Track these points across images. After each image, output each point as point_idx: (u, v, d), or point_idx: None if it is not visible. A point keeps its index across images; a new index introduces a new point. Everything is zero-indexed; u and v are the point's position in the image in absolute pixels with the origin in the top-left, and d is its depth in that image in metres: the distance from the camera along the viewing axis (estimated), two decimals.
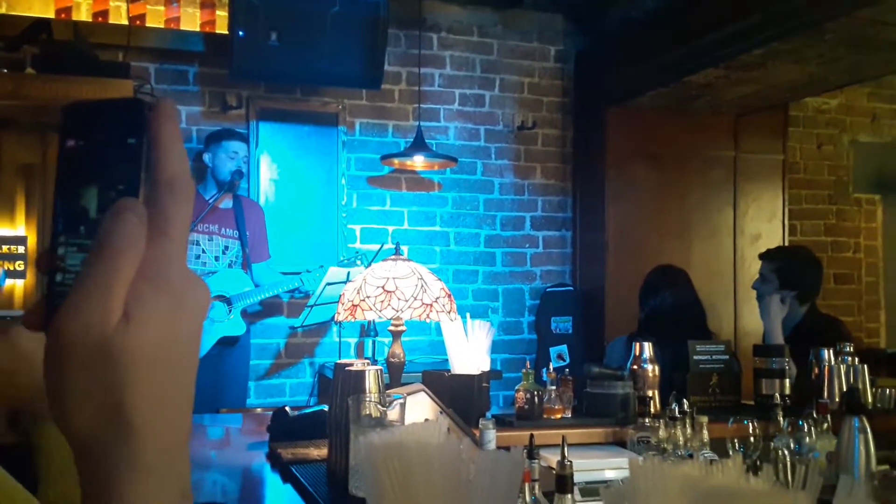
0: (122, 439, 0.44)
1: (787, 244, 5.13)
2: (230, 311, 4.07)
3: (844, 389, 2.91)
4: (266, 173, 4.73)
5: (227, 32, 4.40)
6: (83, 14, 4.39)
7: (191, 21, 4.59)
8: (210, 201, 4.09)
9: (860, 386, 3.04)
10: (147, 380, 0.44)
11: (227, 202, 4.22)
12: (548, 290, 5.15)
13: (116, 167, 0.46)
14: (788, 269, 3.57)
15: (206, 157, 4.22)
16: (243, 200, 4.30)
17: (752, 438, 2.31)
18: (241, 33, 4.18)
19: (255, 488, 2.14)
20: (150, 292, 0.44)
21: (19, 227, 3.53)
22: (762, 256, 3.72)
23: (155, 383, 0.45)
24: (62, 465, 0.90)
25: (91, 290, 0.43)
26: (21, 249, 3.50)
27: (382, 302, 2.56)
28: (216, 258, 4.13)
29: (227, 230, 4.17)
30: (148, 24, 4.49)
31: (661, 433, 2.39)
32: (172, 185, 0.46)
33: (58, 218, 0.46)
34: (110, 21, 4.40)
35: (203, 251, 4.12)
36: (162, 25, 4.53)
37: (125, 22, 4.39)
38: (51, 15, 4.26)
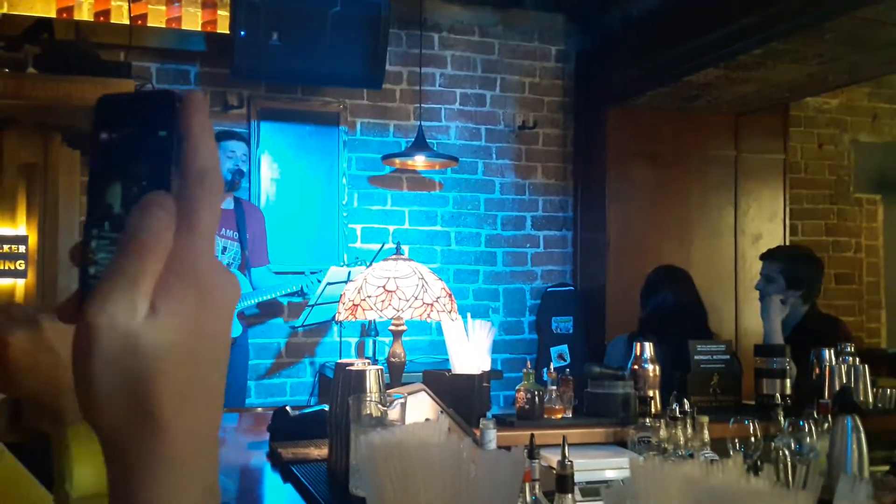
0: (147, 433, 0.44)
1: (787, 244, 5.13)
2: None
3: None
4: (267, 173, 4.73)
5: (228, 32, 4.41)
6: (85, 14, 4.40)
7: (192, 21, 4.59)
8: None
9: (861, 386, 3.04)
10: (174, 374, 0.44)
11: (227, 203, 4.22)
12: (548, 289, 5.15)
13: (147, 160, 0.45)
14: (794, 269, 3.56)
15: None
16: (244, 203, 4.30)
17: (752, 438, 2.31)
18: (242, 33, 4.18)
19: (256, 487, 2.14)
20: (178, 286, 0.44)
21: (20, 226, 3.53)
22: (764, 257, 3.71)
23: (182, 377, 0.45)
24: (83, 466, 0.90)
25: (117, 284, 0.43)
26: (22, 249, 3.50)
27: (383, 301, 2.56)
28: None
29: (227, 231, 4.17)
30: (149, 24, 4.49)
31: (662, 433, 2.39)
32: (202, 178, 0.46)
33: (90, 211, 0.46)
34: (112, 21, 4.41)
35: None
36: (163, 25, 4.54)
37: (127, 22, 4.39)
38: (52, 14, 4.27)
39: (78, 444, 0.91)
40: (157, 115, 0.46)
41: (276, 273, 4.39)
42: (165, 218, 0.44)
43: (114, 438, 0.45)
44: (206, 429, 0.47)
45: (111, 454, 0.45)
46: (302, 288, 4.22)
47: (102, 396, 0.44)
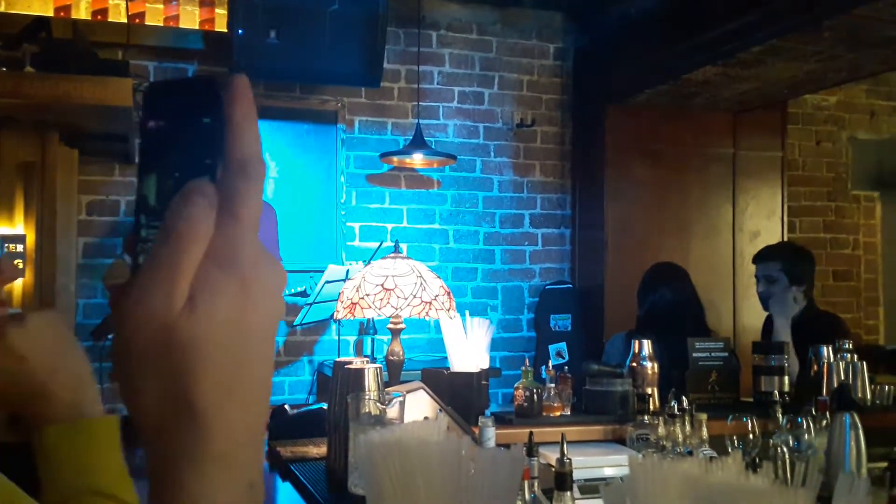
0: (188, 428, 0.43)
1: (780, 241, 5.13)
2: None
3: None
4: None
5: (226, 30, 4.40)
6: (82, 12, 4.39)
7: (190, 19, 4.59)
8: None
9: (859, 383, 3.04)
10: (214, 367, 0.43)
11: None
12: (547, 287, 5.15)
13: (192, 148, 0.45)
14: (795, 266, 3.56)
15: None
16: None
17: (751, 436, 2.31)
18: (240, 31, 4.18)
19: None
20: (218, 276, 0.43)
21: (18, 225, 3.52)
22: (760, 259, 3.68)
23: (222, 370, 0.43)
24: (62, 466, 0.89)
25: (154, 276, 0.42)
26: (20, 248, 3.50)
27: (382, 300, 2.57)
28: None
29: None
30: (147, 23, 4.49)
31: (661, 430, 2.39)
32: (244, 165, 0.44)
33: (138, 200, 0.45)
34: (109, 19, 4.40)
35: None
36: (161, 23, 4.53)
37: (124, 20, 4.38)
38: (50, 13, 4.26)
39: (56, 447, 0.90)
40: (201, 102, 0.45)
41: None
42: (205, 207, 0.43)
43: (155, 433, 0.44)
44: (250, 423, 0.46)
45: (152, 449, 0.45)
46: (305, 289, 4.22)
47: (141, 391, 0.43)
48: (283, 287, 0.47)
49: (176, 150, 0.45)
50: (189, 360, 0.42)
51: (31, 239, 3.54)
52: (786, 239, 5.23)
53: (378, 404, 1.64)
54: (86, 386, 0.94)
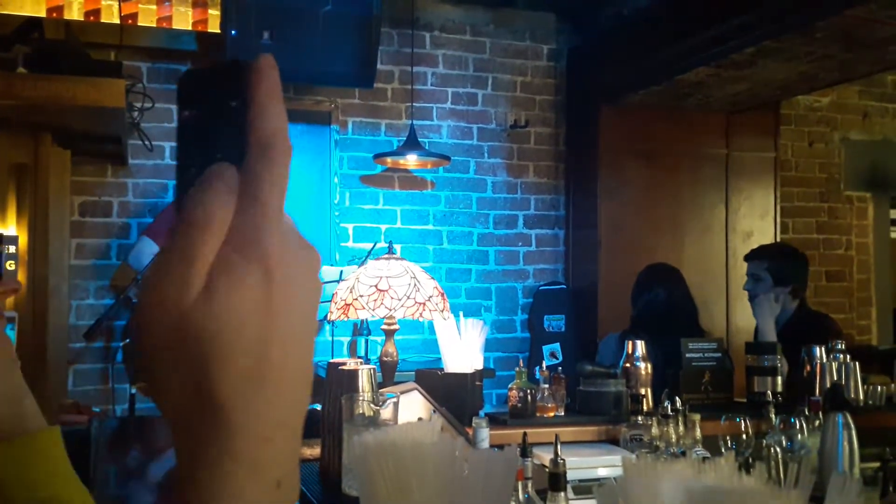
0: (209, 422, 0.41)
1: (778, 241, 5.15)
2: None
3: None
4: None
5: (219, 31, 4.39)
6: (75, 13, 4.38)
7: (183, 20, 4.58)
8: None
9: (851, 383, 3.05)
10: (234, 358, 0.41)
11: None
12: (541, 288, 5.16)
13: (220, 133, 0.44)
14: (781, 267, 3.58)
15: None
16: None
17: (744, 436, 2.32)
18: (233, 32, 4.17)
19: None
20: (238, 263, 0.41)
21: (10, 226, 3.51)
22: (749, 257, 3.73)
23: (245, 362, 0.41)
24: (14, 484, 0.86)
25: (169, 264, 0.41)
26: (12, 249, 3.48)
27: (375, 301, 2.57)
28: None
29: None
30: (140, 24, 4.47)
31: (654, 431, 2.40)
32: (267, 146, 0.42)
33: (176, 191, 0.44)
34: (102, 20, 4.39)
35: None
36: (154, 24, 4.52)
37: (117, 21, 4.37)
38: (42, 14, 4.25)
39: (2, 466, 0.86)
40: (229, 86, 0.44)
41: None
42: (223, 191, 0.41)
43: (178, 429, 0.42)
44: (278, 417, 0.43)
45: (177, 446, 0.43)
46: None
47: (163, 385, 0.42)
48: (317, 270, 0.45)
49: (207, 138, 0.44)
50: (207, 350, 0.40)
51: (23, 240, 3.53)
52: (778, 239, 5.25)
53: (372, 405, 1.64)
54: (21, 400, 0.90)
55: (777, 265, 3.58)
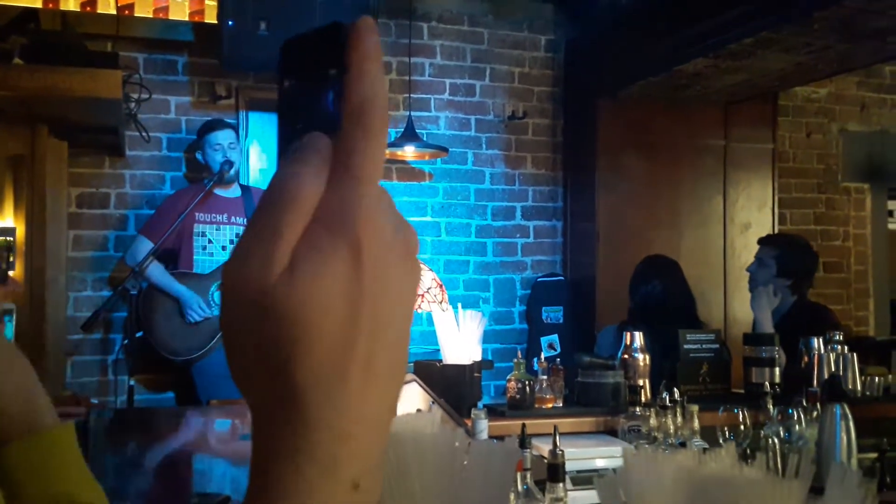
0: (284, 412, 0.38)
1: (780, 233, 5.15)
2: None
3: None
4: (256, 163, 4.72)
5: (216, 22, 4.38)
6: (71, 4, 4.36)
7: (179, 11, 4.56)
8: (204, 192, 4.08)
9: (849, 374, 3.06)
10: (317, 344, 0.37)
11: (235, 191, 4.21)
12: (539, 279, 5.16)
13: (319, 103, 0.40)
14: (788, 257, 3.58)
15: (198, 155, 4.24)
16: (252, 191, 4.29)
17: (742, 427, 2.32)
18: (230, 23, 4.15)
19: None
20: (325, 239, 0.38)
21: (8, 218, 3.51)
22: (762, 241, 3.73)
23: (330, 350, 0.37)
24: (28, 483, 0.87)
25: (252, 238, 0.38)
26: (10, 240, 3.48)
27: None
28: (223, 248, 4.12)
29: (237, 218, 4.15)
30: (136, 14, 4.46)
31: (652, 422, 2.40)
32: (360, 113, 0.39)
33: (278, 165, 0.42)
34: (98, 11, 4.37)
35: (210, 241, 4.11)
36: (150, 15, 4.50)
37: (113, 11, 4.36)
38: (39, 4, 4.23)
39: (18, 466, 0.87)
40: (327, 53, 0.41)
41: None
42: (313, 162, 0.38)
43: (254, 416, 0.39)
44: (364, 413, 0.39)
45: (252, 432, 0.39)
46: None
47: (239, 363, 0.39)
48: (414, 252, 0.41)
49: (305, 108, 0.41)
50: (287, 334, 0.37)
51: (20, 231, 3.52)
52: (776, 231, 5.25)
53: None
54: (35, 396, 0.90)
55: (785, 255, 3.57)
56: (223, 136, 4.16)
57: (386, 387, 0.40)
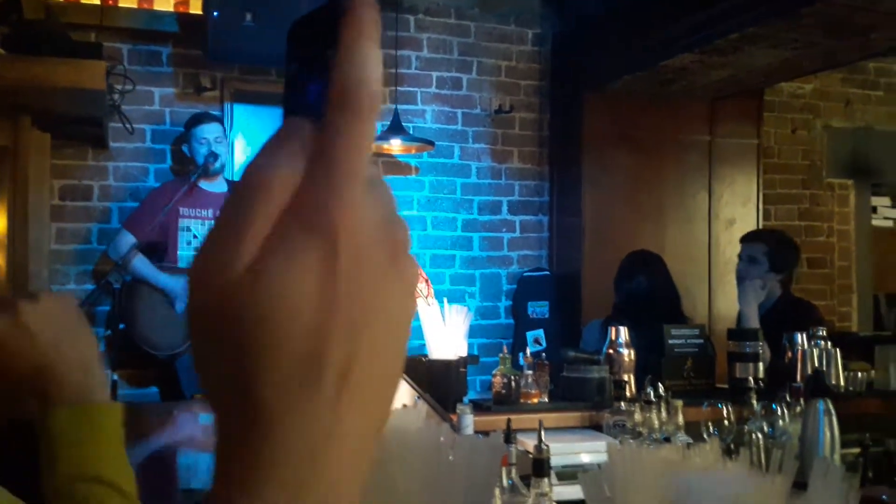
0: (246, 425, 0.33)
1: (761, 228, 5.17)
2: None
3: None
4: (241, 156, 4.69)
5: (201, 13, 4.35)
6: None
7: (164, 1, 4.53)
8: (188, 185, 4.05)
9: (833, 370, 3.08)
10: (283, 351, 0.33)
11: (220, 185, 4.18)
12: (525, 274, 5.16)
13: (312, 86, 0.37)
14: (780, 253, 3.59)
15: (185, 148, 4.22)
16: None
17: (726, 422, 2.33)
18: (215, 14, 4.13)
19: None
20: (297, 234, 0.33)
21: None
22: (747, 239, 3.72)
23: (296, 357, 0.33)
24: (67, 451, 0.89)
25: (219, 231, 0.34)
26: None
27: None
28: None
29: None
30: (121, 4, 4.42)
31: (637, 417, 2.41)
32: (348, 95, 0.35)
33: None
34: (82, 0, 4.34)
35: (195, 236, 4.08)
36: (135, 6, 4.47)
37: (97, 2, 4.32)
38: None
39: (63, 431, 0.89)
40: (325, 32, 0.37)
41: None
42: (289, 149, 0.35)
43: (217, 422, 0.35)
44: (339, 430, 0.34)
45: (216, 443, 0.35)
46: None
47: (201, 363, 0.35)
48: (404, 251, 0.37)
49: (302, 94, 0.38)
50: (249, 338, 0.33)
51: (2, 224, 3.48)
52: (760, 226, 5.27)
53: None
54: (94, 371, 0.94)
55: (776, 251, 3.58)
56: (209, 130, 4.14)
57: (367, 401, 0.35)
